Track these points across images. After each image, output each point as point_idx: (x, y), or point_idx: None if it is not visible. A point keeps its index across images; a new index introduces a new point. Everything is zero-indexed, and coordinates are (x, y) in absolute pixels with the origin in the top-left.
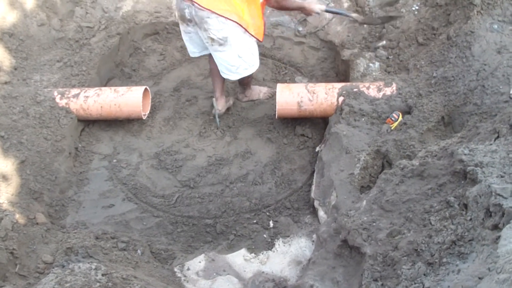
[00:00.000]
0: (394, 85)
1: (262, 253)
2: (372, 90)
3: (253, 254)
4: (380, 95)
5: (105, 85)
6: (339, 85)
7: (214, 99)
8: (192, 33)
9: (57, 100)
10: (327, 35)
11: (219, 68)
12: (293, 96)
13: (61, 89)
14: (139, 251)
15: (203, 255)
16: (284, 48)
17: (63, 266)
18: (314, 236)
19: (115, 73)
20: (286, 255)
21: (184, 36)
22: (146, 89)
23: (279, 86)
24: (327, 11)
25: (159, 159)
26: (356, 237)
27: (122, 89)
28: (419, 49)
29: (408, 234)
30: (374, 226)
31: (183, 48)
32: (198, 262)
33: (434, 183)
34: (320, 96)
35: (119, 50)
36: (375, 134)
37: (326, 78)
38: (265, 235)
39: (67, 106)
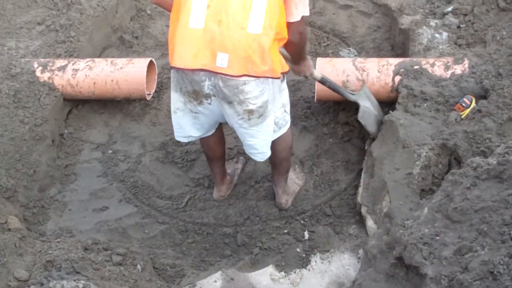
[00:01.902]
0: (466, 61)
1: (294, 272)
2: (437, 67)
3: (282, 273)
4: (448, 74)
5: (99, 56)
6: (395, 61)
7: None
8: (200, 114)
9: (38, 73)
10: None
11: (254, 149)
12: (337, 74)
13: (43, 60)
14: (139, 266)
15: (219, 272)
16: (327, 13)
17: (42, 285)
18: (361, 251)
19: (112, 41)
20: (324, 275)
21: (186, 116)
22: (151, 61)
23: (320, 61)
24: (322, 80)
25: (166, 151)
26: (414, 254)
27: (121, 61)
28: (500, 15)
29: (481, 252)
30: (437, 240)
31: None
32: (213, 282)
33: None
34: (372, 74)
35: (117, 12)
36: (440, 124)
37: (379, 52)
38: (298, 249)
39: (51, 81)
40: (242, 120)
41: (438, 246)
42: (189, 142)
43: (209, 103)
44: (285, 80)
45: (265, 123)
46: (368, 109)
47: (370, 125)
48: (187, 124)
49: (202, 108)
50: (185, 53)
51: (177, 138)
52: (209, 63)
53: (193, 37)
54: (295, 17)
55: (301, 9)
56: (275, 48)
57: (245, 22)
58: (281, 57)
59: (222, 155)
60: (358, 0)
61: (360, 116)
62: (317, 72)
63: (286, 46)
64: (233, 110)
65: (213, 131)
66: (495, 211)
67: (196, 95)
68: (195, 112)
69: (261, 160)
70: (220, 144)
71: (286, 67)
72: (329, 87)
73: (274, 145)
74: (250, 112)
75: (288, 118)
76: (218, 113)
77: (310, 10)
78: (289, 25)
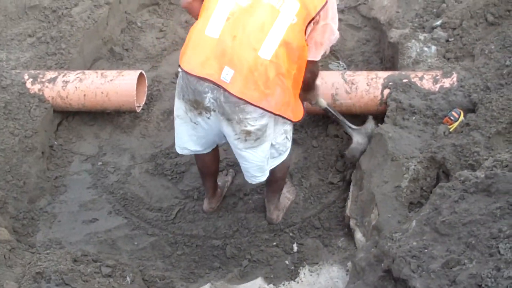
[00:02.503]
0: (454, 75)
1: (283, 284)
2: (426, 81)
3: (271, 285)
4: (436, 87)
5: (89, 68)
6: (384, 74)
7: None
8: (199, 126)
9: (28, 85)
10: (370, 10)
11: (248, 173)
12: (326, 87)
13: (33, 72)
14: (128, 279)
15: (208, 284)
16: None
17: None
18: (349, 264)
19: (102, 53)
20: (313, 287)
21: (185, 125)
22: (141, 74)
23: (316, 86)
24: (325, 109)
25: (156, 163)
26: (402, 267)
27: (111, 74)
28: (488, 30)
29: (469, 265)
30: (426, 253)
31: (188, 23)
32: None
33: (504, 201)
34: (360, 87)
35: (107, 24)
36: (429, 137)
37: (368, 65)
38: (287, 261)
39: (41, 93)
40: (238, 141)
41: (426, 259)
42: (178, 155)
43: (208, 117)
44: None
45: (260, 148)
46: (359, 146)
47: (355, 160)
48: (185, 135)
49: (201, 119)
50: (194, 58)
51: (176, 149)
52: (215, 74)
53: (205, 44)
54: (312, 57)
55: (320, 52)
56: (282, 80)
57: (258, 44)
58: (290, 97)
59: (215, 171)
60: (347, 13)
61: (347, 152)
62: (323, 101)
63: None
64: (231, 129)
65: (209, 150)
66: (483, 224)
67: (197, 105)
68: (194, 122)
69: (255, 183)
70: (214, 162)
71: (297, 116)
72: (331, 116)
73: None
74: (248, 133)
75: (289, 145)
76: (216, 130)
77: None
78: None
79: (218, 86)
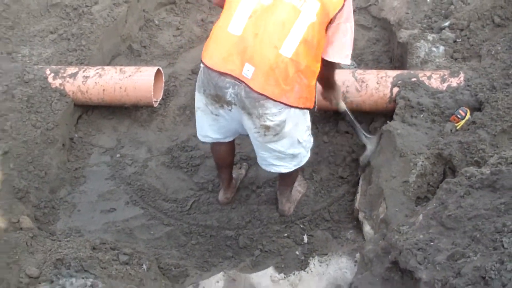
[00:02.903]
0: (461, 75)
1: (293, 274)
2: (434, 80)
3: (282, 275)
4: (444, 86)
5: (108, 64)
6: (393, 73)
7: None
8: (221, 117)
9: (50, 79)
10: (380, 11)
11: (265, 161)
12: None
13: (55, 67)
14: (144, 266)
15: (221, 273)
16: None
17: (52, 282)
18: (358, 255)
19: (121, 50)
20: (322, 277)
21: (205, 116)
22: (158, 70)
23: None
24: (343, 113)
25: (172, 156)
26: (409, 259)
27: (129, 70)
28: (495, 31)
29: (474, 257)
30: (432, 246)
31: (204, 21)
32: (215, 282)
33: (508, 196)
34: (370, 85)
35: (126, 22)
36: (436, 135)
37: (378, 64)
38: (297, 252)
39: (62, 87)
40: (258, 134)
41: (432, 251)
42: (194, 148)
43: (230, 110)
44: (308, 114)
45: (280, 143)
46: (373, 154)
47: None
48: (205, 125)
49: (223, 111)
50: (216, 54)
51: (198, 137)
52: (236, 70)
53: (228, 41)
54: (330, 58)
55: (338, 55)
56: (301, 77)
57: (280, 42)
58: (311, 94)
59: (231, 164)
60: (358, 14)
61: (361, 160)
62: (343, 104)
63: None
64: (251, 122)
65: (230, 138)
66: (488, 219)
67: (218, 99)
68: (216, 115)
69: (272, 171)
70: (230, 154)
71: (308, 103)
72: (348, 122)
73: None
74: (267, 128)
75: (312, 140)
76: (238, 120)
77: None
78: (324, 61)
79: (240, 81)
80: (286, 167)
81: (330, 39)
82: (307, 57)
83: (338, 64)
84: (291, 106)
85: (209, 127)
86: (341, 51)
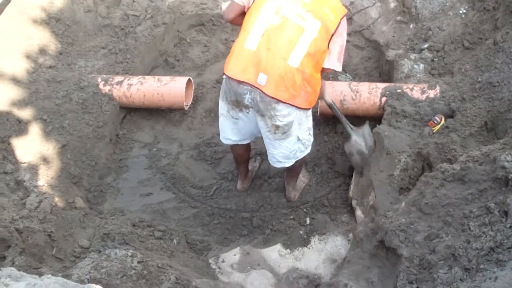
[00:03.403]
0: (437, 88)
1: (297, 249)
2: (415, 92)
3: (288, 250)
4: (423, 97)
5: (148, 74)
6: (382, 85)
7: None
8: (240, 120)
9: (101, 86)
10: (372, 34)
11: (274, 158)
12: (335, 94)
13: (105, 76)
14: (175, 241)
15: (238, 248)
16: None
17: (100, 252)
18: (351, 235)
19: (159, 63)
20: (321, 253)
21: (227, 121)
22: (189, 79)
23: (323, 83)
24: (330, 105)
25: (199, 150)
26: (393, 239)
27: (165, 79)
28: (464, 53)
29: (446, 238)
30: (412, 228)
31: (227, 40)
32: (233, 255)
33: (474, 188)
34: (363, 95)
35: (163, 40)
36: (416, 136)
37: (369, 78)
38: (301, 232)
39: (110, 93)
40: (269, 133)
41: (412, 232)
42: (217, 144)
43: (247, 112)
44: (311, 110)
45: (287, 140)
46: (356, 144)
47: (353, 157)
48: (227, 128)
49: (242, 114)
50: (236, 66)
51: (221, 139)
52: (252, 78)
53: (245, 55)
54: (327, 65)
55: (331, 63)
56: (305, 85)
57: (287, 54)
58: (312, 96)
59: (247, 160)
60: (353, 36)
61: (346, 147)
62: (329, 98)
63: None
64: (264, 123)
65: (247, 140)
66: (458, 206)
67: (237, 104)
68: (236, 118)
69: (278, 167)
70: (247, 152)
71: (312, 104)
72: (334, 113)
73: None
74: (277, 127)
75: (311, 140)
76: (254, 122)
77: None
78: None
79: (255, 88)
80: (288, 162)
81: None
82: (311, 67)
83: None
84: (299, 108)
85: (230, 130)
86: (332, 59)
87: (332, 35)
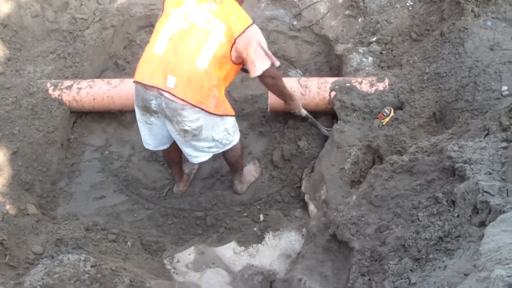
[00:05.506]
0: (386, 80)
1: (252, 246)
2: (364, 85)
3: (242, 247)
4: (372, 90)
5: (98, 77)
6: (331, 79)
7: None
8: (153, 125)
9: (50, 91)
10: (321, 29)
11: (186, 153)
12: None
13: (54, 81)
14: (129, 243)
15: (193, 247)
16: (279, 42)
17: (53, 257)
18: (304, 230)
19: (108, 65)
20: (275, 249)
21: (143, 127)
22: None
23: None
24: (305, 117)
25: (151, 152)
26: (344, 232)
27: (115, 81)
28: (412, 44)
29: (396, 229)
30: (362, 221)
31: None
32: (187, 255)
33: (423, 179)
34: (313, 90)
35: (113, 42)
36: (366, 129)
37: (319, 73)
38: (255, 228)
39: (60, 97)
40: (179, 136)
41: (363, 225)
42: None
43: (158, 117)
44: (229, 118)
45: (199, 143)
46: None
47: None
48: (145, 134)
49: (154, 119)
50: (144, 71)
51: (144, 146)
52: (160, 83)
53: (153, 60)
54: (257, 73)
55: (259, 66)
56: (214, 90)
57: (195, 57)
58: (225, 103)
59: (179, 161)
60: (303, 31)
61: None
62: (303, 111)
63: (264, 82)
64: (172, 127)
65: (167, 145)
66: (407, 197)
67: (147, 110)
68: (149, 124)
69: (195, 162)
70: (176, 154)
71: (228, 111)
72: (310, 123)
73: (224, 154)
74: (186, 131)
75: (231, 138)
76: (167, 127)
77: (265, 40)
78: (261, 80)
79: (164, 92)
80: (204, 155)
81: (248, 60)
82: (219, 71)
83: (276, 79)
84: (209, 113)
85: (147, 136)
86: (259, 66)
87: (235, 41)
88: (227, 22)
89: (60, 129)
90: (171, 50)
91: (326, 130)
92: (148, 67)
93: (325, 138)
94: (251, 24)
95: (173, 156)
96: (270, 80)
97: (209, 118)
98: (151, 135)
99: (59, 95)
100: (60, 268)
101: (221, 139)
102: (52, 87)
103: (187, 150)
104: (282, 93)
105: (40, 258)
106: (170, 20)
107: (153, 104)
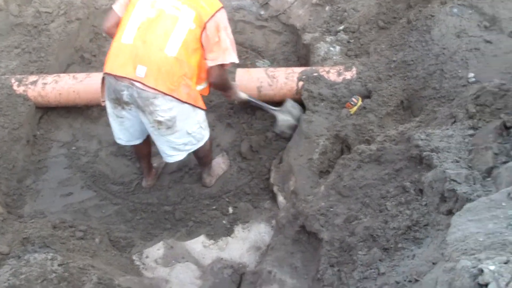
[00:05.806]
0: (354, 69)
1: (221, 239)
2: (332, 74)
3: (212, 241)
4: (340, 79)
5: (64, 72)
6: (299, 69)
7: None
8: (125, 118)
9: (15, 87)
10: (288, 18)
11: (162, 152)
12: (252, 81)
13: (19, 76)
14: (97, 240)
15: (161, 242)
16: (246, 32)
17: (19, 257)
18: (273, 221)
19: (74, 59)
20: (245, 241)
21: (114, 121)
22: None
23: (239, 71)
24: (248, 100)
25: (119, 146)
26: (313, 223)
27: (80, 76)
28: (379, 33)
29: (364, 219)
30: (331, 211)
31: None
32: (156, 250)
33: (391, 168)
34: (280, 81)
35: (78, 36)
36: (334, 119)
37: (287, 62)
38: (224, 221)
39: (25, 93)
40: (153, 128)
41: (332, 216)
42: None
43: (130, 109)
44: (201, 111)
45: (175, 135)
46: (284, 122)
47: (286, 134)
48: (116, 128)
49: (126, 113)
50: (114, 62)
51: (116, 141)
52: (131, 73)
53: (122, 50)
54: (210, 63)
55: (229, 57)
56: (185, 79)
57: (164, 44)
58: (198, 95)
59: (148, 155)
60: (270, 21)
61: (276, 129)
62: (243, 95)
63: (210, 81)
64: (146, 118)
65: (140, 140)
66: (375, 187)
67: (119, 102)
68: (121, 117)
69: (171, 161)
70: (145, 147)
71: (199, 103)
72: (254, 105)
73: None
74: (159, 123)
75: (204, 133)
76: (139, 119)
77: (232, 30)
78: (208, 69)
79: (135, 81)
80: (179, 154)
81: (209, 47)
82: (190, 58)
83: (225, 73)
84: (182, 102)
85: (119, 130)
86: (223, 55)
87: (205, 25)
88: (196, 7)
89: (25, 126)
90: (139, 39)
91: (273, 109)
92: (118, 58)
93: (294, 128)
94: (221, 8)
95: (142, 149)
96: (221, 73)
97: (182, 107)
98: (122, 129)
99: (24, 90)
100: (27, 268)
101: (194, 132)
102: (17, 82)
103: (163, 148)
104: (221, 89)
105: (6, 258)
106: (138, 9)
107: (125, 95)
